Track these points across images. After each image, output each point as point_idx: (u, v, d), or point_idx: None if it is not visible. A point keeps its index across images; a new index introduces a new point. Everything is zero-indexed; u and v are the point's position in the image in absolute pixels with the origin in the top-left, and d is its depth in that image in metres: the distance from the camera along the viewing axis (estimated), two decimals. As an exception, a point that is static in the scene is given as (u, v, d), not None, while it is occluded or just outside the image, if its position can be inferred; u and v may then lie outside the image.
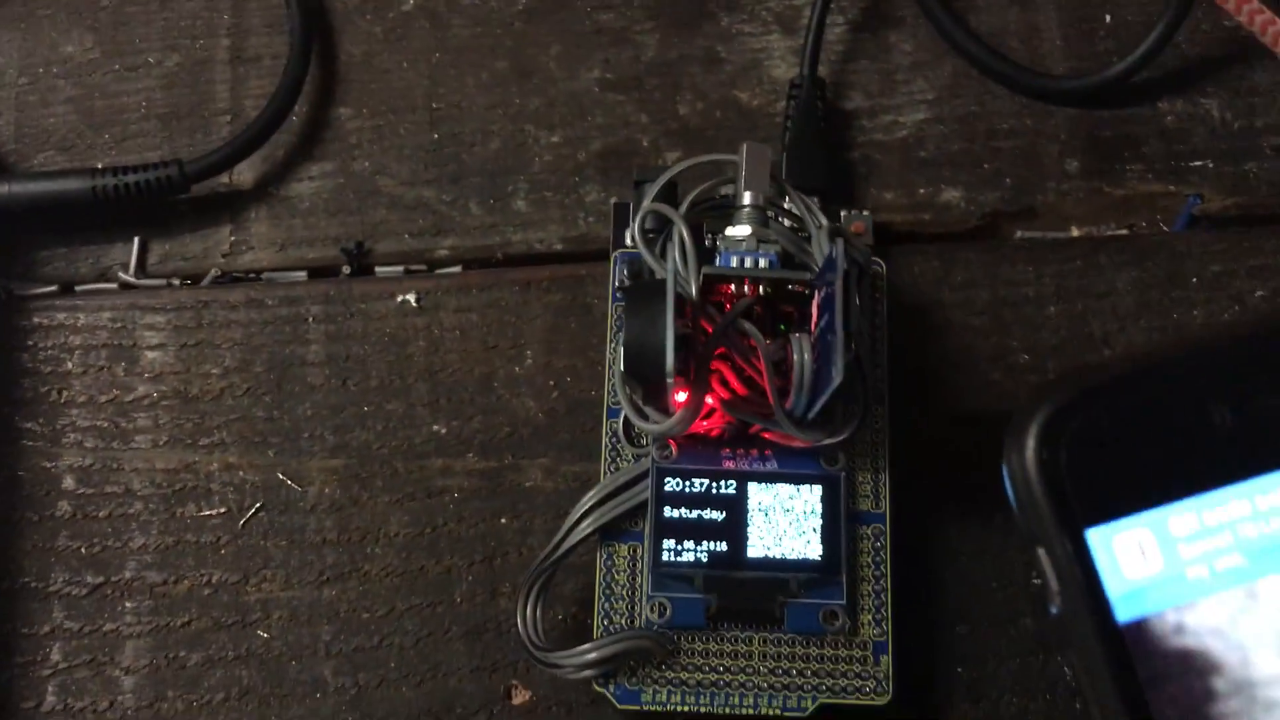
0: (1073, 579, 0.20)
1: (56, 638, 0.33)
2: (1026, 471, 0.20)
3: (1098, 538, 0.20)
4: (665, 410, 0.30)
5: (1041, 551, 0.20)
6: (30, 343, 0.35)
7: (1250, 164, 0.37)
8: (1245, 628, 0.20)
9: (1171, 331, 0.34)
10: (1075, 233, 0.37)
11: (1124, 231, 0.37)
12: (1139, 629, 0.20)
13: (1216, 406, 0.20)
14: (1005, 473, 0.21)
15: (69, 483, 0.34)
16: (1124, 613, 0.20)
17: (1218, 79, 0.38)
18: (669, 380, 0.28)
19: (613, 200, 0.35)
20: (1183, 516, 0.20)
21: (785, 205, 0.33)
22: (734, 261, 0.30)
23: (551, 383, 0.35)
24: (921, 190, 0.37)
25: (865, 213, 0.35)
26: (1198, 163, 0.37)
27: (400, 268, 0.36)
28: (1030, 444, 0.20)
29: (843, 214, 0.35)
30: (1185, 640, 0.20)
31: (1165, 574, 0.20)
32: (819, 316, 0.29)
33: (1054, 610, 0.20)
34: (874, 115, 0.37)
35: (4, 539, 0.33)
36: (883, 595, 0.31)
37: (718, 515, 0.30)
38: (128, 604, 0.33)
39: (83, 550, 0.33)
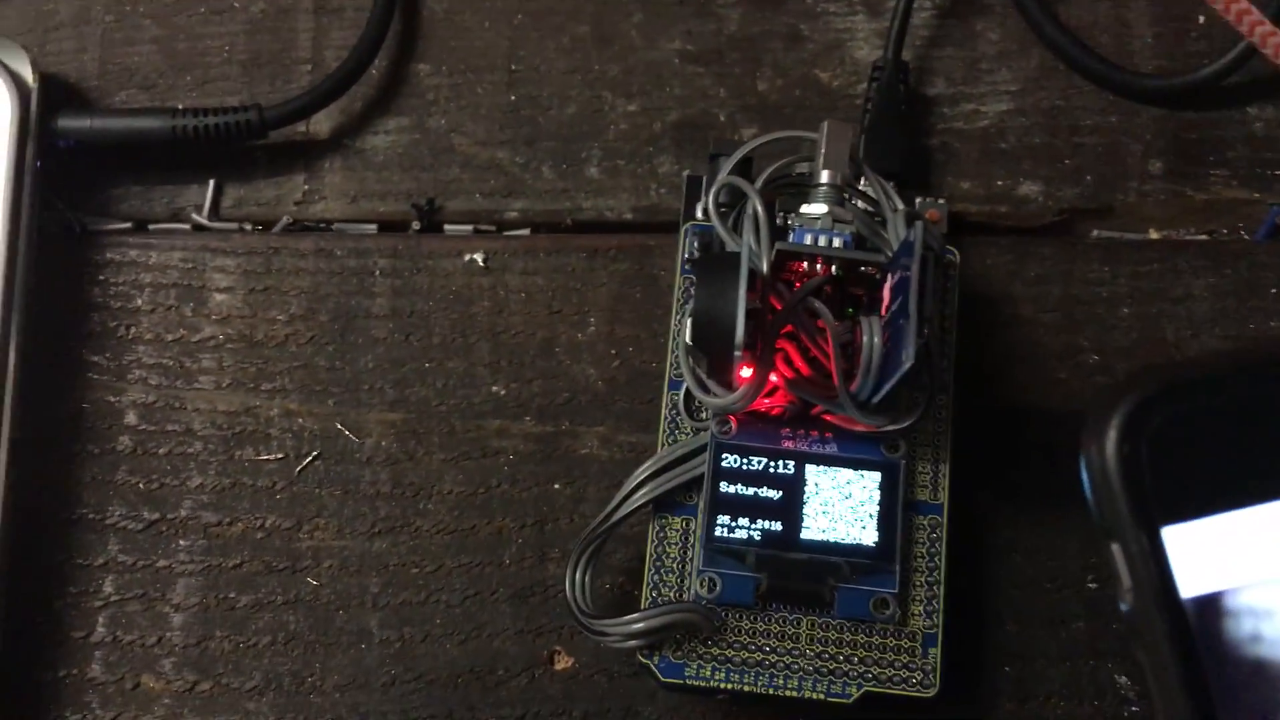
0: (1146, 577, 0.19)
1: (110, 570, 0.33)
2: (1106, 463, 0.20)
3: (1174, 536, 0.20)
4: (728, 385, 0.30)
5: (1115, 547, 0.20)
6: (101, 278, 0.35)
7: (1339, 176, 0.36)
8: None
9: (1247, 340, 0.34)
10: (1154, 235, 0.36)
11: (1204, 237, 0.36)
12: (1212, 633, 0.20)
13: (1305, 411, 0.20)
14: (1083, 463, 0.20)
15: (131, 418, 0.34)
16: (1197, 616, 0.20)
17: (1312, 87, 0.37)
18: (736, 353, 0.28)
19: (685, 173, 0.35)
20: (1264, 521, 0.20)
21: (861, 188, 0.32)
22: (808, 239, 0.30)
23: (613, 351, 0.35)
24: (999, 182, 0.36)
25: (941, 200, 0.34)
26: (1285, 171, 0.36)
27: (469, 227, 0.36)
28: (1111, 435, 0.20)
29: (918, 201, 0.34)
30: (1260, 650, 0.20)
31: (1243, 579, 0.20)
32: (891, 300, 0.29)
33: (1124, 607, 0.20)
34: (955, 103, 0.37)
35: (65, 470, 0.34)
36: (935, 587, 0.30)
37: (774, 494, 0.30)
38: (181, 542, 0.33)
39: (141, 486, 0.34)
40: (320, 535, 0.33)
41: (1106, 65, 0.36)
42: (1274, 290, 0.35)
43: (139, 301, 0.35)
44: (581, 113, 0.37)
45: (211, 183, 0.36)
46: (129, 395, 0.35)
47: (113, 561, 0.33)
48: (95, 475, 0.34)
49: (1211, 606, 0.20)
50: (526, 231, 0.36)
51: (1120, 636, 0.31)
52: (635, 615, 0.30)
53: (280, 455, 0.34)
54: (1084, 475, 0.20)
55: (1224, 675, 0.19)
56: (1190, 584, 0.20)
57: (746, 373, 0.30)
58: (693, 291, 0.31)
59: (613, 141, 0.37)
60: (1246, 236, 0.36)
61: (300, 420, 0.34)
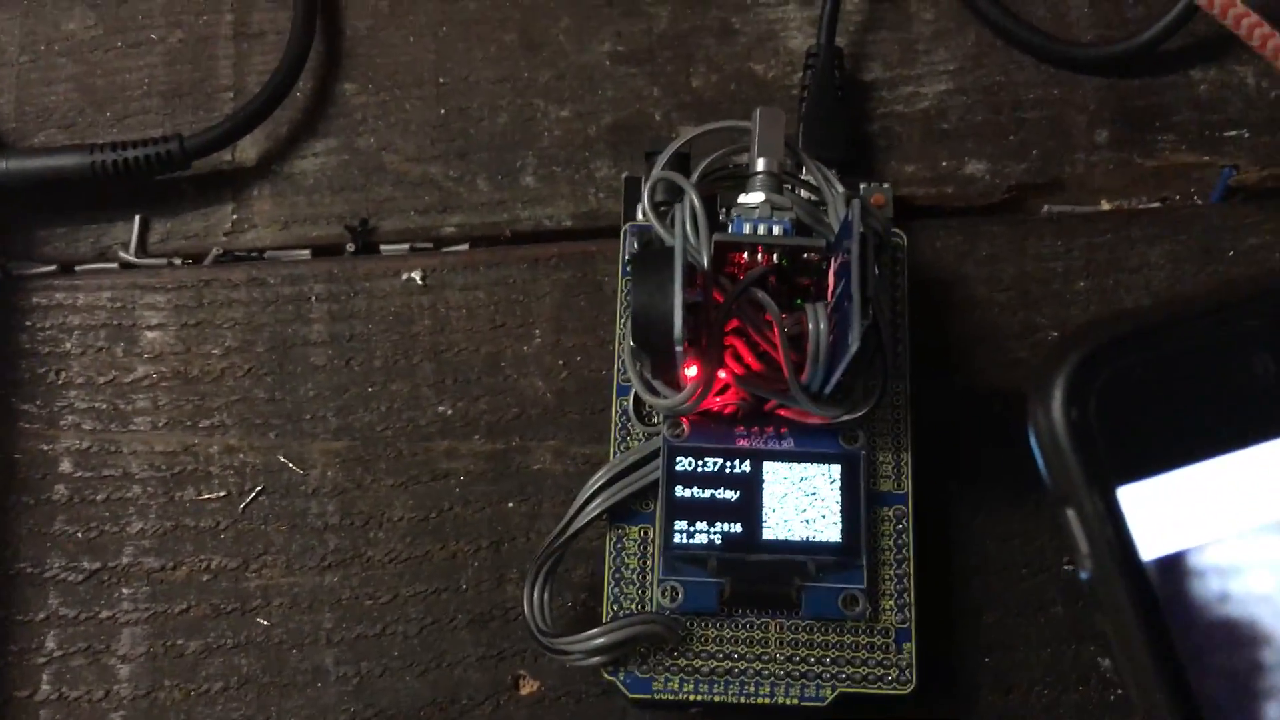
0: (1104, 541, 0.18)
1: (52, 625, 0.32)
2: (1053, 426, 0.19)
3: (1130, 496, 0.19)
4: (676, 386, 0.29)
5: (1070, 512, 0.19)
6: (29, 323, 0.34)
7: (1288, 133, 0.35)
8: (1294, 596, 0.19)
9: (1189, 289, 0.33)
10: (1105, 206, 0.35)
11: (1156, 204, 0.35)
12: (1177, 596, 0.19)
13: (1259, 355, 0.19)
14: (1030, 428, 0.20)
15: (66, 466, 0.33)
16: (1160, 578, 0.19)
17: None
18: (678, 348, 0.27)
19: (624, 175, 0.34)
20: (1223, 474, 0.19)
21: (803, 177, 0.32)
22: (746, 229, 0.29)
23: (561, 362, 0.34)
24: (944, 163, 0.35)
25: (885, 185, 0.34)
26: (1232, 132, 0.35)
27: (405, 245, 0.35)
28: (1057, 396, 0.19)
29: (862, 186, 0.34)
30: (1228, 609, 0.19)
31: (1205, 537, 0.19)
32: (835, 285, 0.28)
33: (1084, 575, 0.19)
34: (894, 86, 0.36)
35: (0, 524, 0.33)
36: (905, 580, 0.29)
37: (732, 495, 0.29)
38: (125, 590, 0.32)
39: (79, 535, 0.32)
40: (268, 573, 0.32)
41: (1044, 37, 0.36)
42: (1231, 253, 0.34)
43: (68, 345, 0.34)
44: (514, 122, 0.36)
45: (137, 218, 0.35)
46: (63, 442, 0.33)
47: (54, 615, 0.32)
48: (32, 527, 0.33)
49: (1174, 567, 0.19)
50: (464, 246, 0.35)
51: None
52: (596, 630, 0.28)
53: (223, 493, 0.33)
54: (1032, 440, 0.19)
55: (1192, 638, 0.18)
56: (1151, 545, 0.19)
57: (693, 371, 0.29)
58: (631, 292, 0.30)
59: (547, 149, 0.36)
60: (1199, 201, 0.35)
61: (241, 456, 0.33)
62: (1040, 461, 0.19)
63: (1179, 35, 0.35)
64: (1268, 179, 0.35)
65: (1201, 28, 0.35)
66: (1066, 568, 0.31)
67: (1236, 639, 0.18)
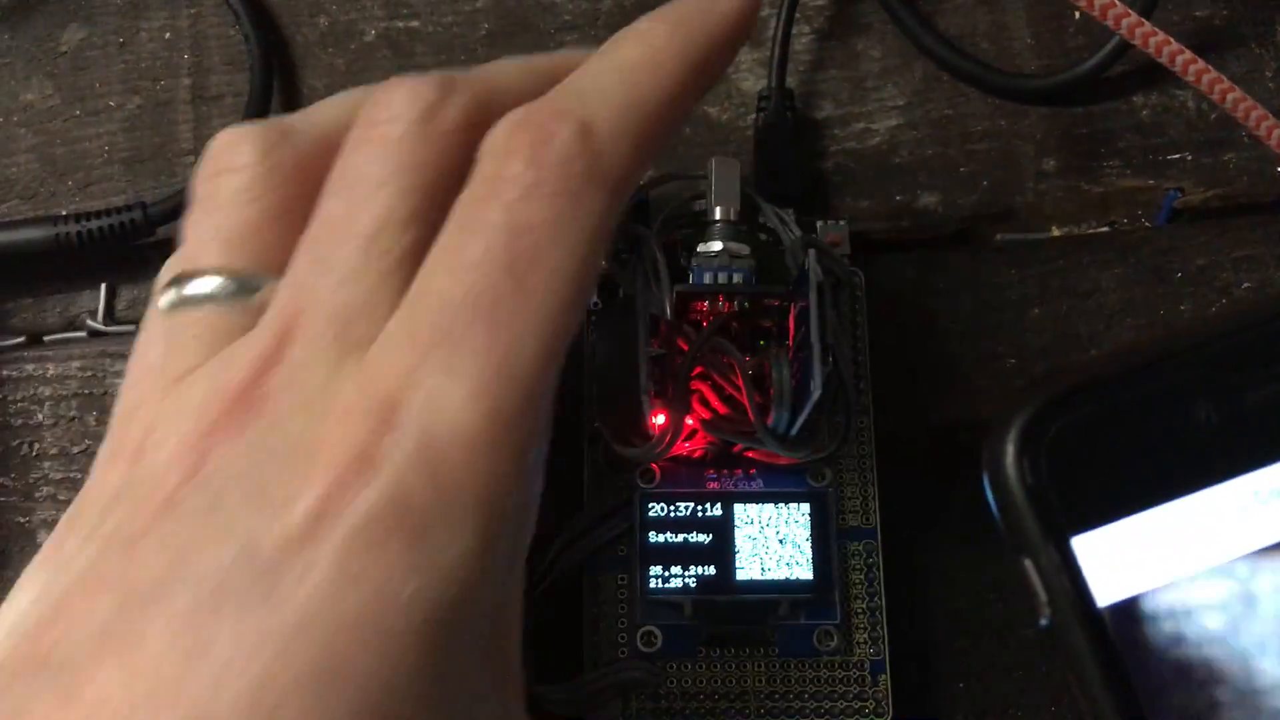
0: (1060, 589, 0.19)
1: (36, 697, 0.32)
2: (1007, 480, 0.20)
3: (1084, 545, 0.19)
4: (645, 434, 0.30)
5: (1028, 562, 0.19)
6: (0, 396, 0.34)
7: (1229, 155, 0.36)
8: (1246, 634, 0.20)
9: (1159, 328, 0.34)
10: (1056, 232, 0.36)
11: (1105, 229, 0.36)
12: (1133, 639, 0.19)
13: (1200, 403, 0.20)
14: (986, 482, 0.20)
15: (43, 538, 0.33)
16: (1116, 623, 0.19)
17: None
18: (645, 399, 0.28)
19: (585, 223, 0.35)
20: (1172, 518, 0.20)
21: (760, 220, 0.32)
22: (706, 278, 0.30)
23: (531, 411, 0.34)
24: (898, 197, 0.36)
25: (841, 223, 0.34)
26: (1175, 156, 0.36)
27: (372, 302, 0.36)
28: (1009, 451, 0.20)
29: (819, 224, 0.34)
30: (1184, 650, 0.19)
31: (1158, 580, 0.20)
32: (796, 330, 0.29)
33: (1043, 623, 0.20)
34: (846, 124, 0.37)
35: (-21, 598, 0.33)
36: (878, 613, 0.30)
37: (704, 538, 0.30)
38: (107, 659, 0.32)
39: (60, 606, 0.33)
40: (250, 635, 0.32)
41: (989, 70, 0.37)
42: (1180, 274, 0.35)
43: (40, 416, 0.34)
44: (474, 174, 0.37)
45: (104, 286, 0.36)
46: (39, 514, 0.33)
47: (38, 688, 0.32)
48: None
49: (1129, 611, 0.19)
50: (431, 300, 0.36)
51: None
52: (578, 681, 0.29)
53: (201, 557, 0.33)
54: (989, 495, 0.20)
55: (1149, 679, 0.19)
56: (1106, 591, 0.19)
57: (660, 419, 0.29)
58: (595, 345, 0.31)
59: (508, 199, 0.36)
60: (1147, 223, 0.36)
61: (218, 519, 0.33)
62: (997, 515, 0.20)
63: (1119, 63, 0.36)
64: (1211, 199, 0.36)
65: (1141, 56, 0.36)
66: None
67: (1192, 678, 0.19)
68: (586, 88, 0.23)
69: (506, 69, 0.25)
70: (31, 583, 0.20)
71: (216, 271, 0.23)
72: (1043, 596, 0.19)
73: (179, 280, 0.23)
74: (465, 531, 0.19)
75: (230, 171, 0.24)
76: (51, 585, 0.20)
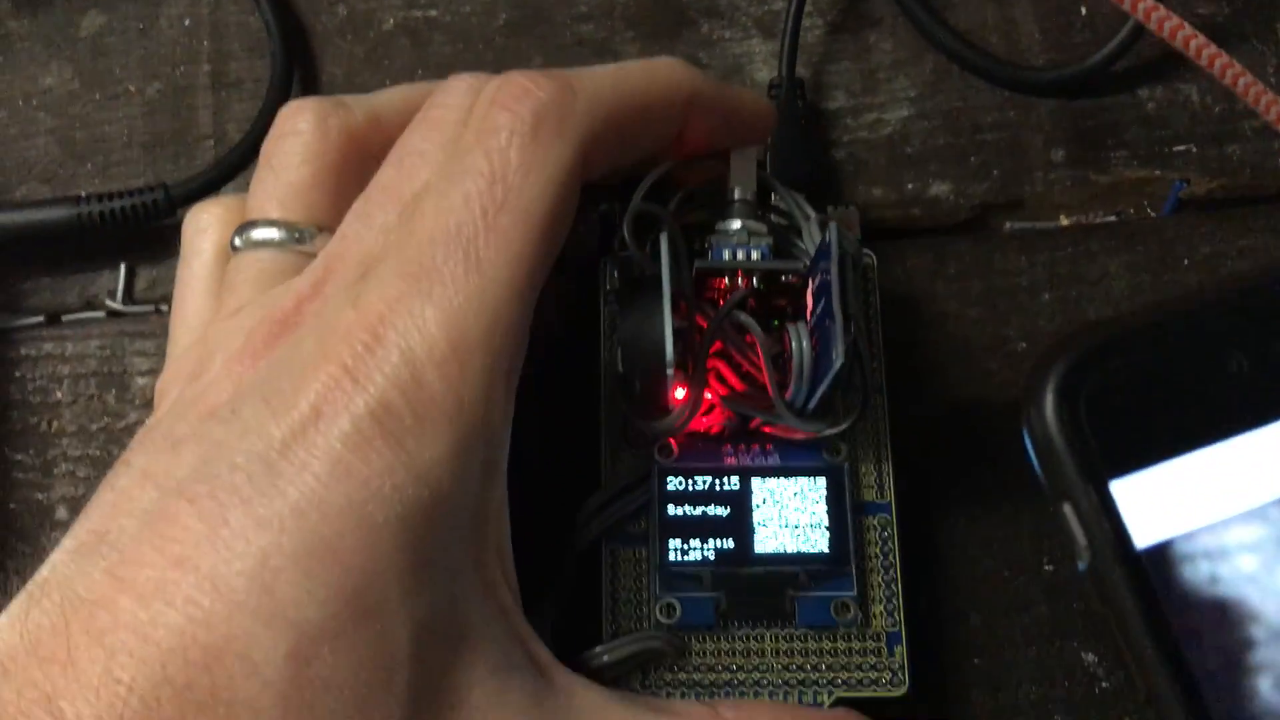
0: (1100, 532, 0.20)
1: (53, 671, 0.32)
2: (1047, 426, 0.20)
3: (1123, 489, 0.20)
4: (664, 409, 0.30)
5: (1068, 508, 0.20)
6: (18, 374, 0.35)
7: (1232, 146, 0.37)
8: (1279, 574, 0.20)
9: (1165, 297, 0.34)
10: (1065, 221, 0.37)
11: (1112, 218, 0.37)
12: (1170, 580, 0.20)
13: (1233, 353, 0.20)
14: (1025, 430, 0.21)
15: (62, 513, 0.33)
16: (1154, 565, 0.20)
17: (1195, 64, 0.38)
18: (669, 373, 0.28)
19: (601, 207, 0.35)
20: (1206, 464, 0.20)
21: (774, 202, 0.33)
22: (725, 255, 0.30)
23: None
24: (909, 186, 0.37)
25: (851, 206, 0.35)
26: (1180, 147, 0.37)
27: (390, 284, 0.36)
28: (1049, 400, 0.20)
29: (830, 209, 0.35)
30: (1219, 590, 0.20)
31: (1194, 523, 0.20)
32: (814, 305, 0.29)
33: (1082, 566, 0.20)
34: (858, 114, 0.38)
35: (-3, 573, 0.33)
36: (893, 586, 0.30)
37: (722, 511, 0.30)
38: (125, 634, 0.32)
39: (77, 581, 0.33)
40: (268, 610, 0.32)
41: (999, 63, 0.37)
42: (1186, 262, 0.35)
43: (59, 394, 0.35)
44: (491, 160, 0.37)
45: (123, 267, 0.36)
46: (57, 490, 0.34)
47: (55, 662, 0.32)
48: (30, 576, 0.33)
49: (1167, 553, 0.20)
50: (448, 282, 0.36)
51: (1083, 615, 0.32)
52: (599, 649, 0.29)
53: (219, 533, 0.33)
54: (1028, 442, 0.21)
55: (1186, 619, 0.20)
56: (1144, 534, 0.20)
57: (680, 394, 0.30)
58: (618, 321, 0.31)
59: (525, 185, 0.37)
60: (1153, 213, 0.37)
61: (237, 496, 0.33)
62: (1036, 462, 0.21)
63: (1126, 56, 0.37)
64: (1216, 190, 0.37)
65: (1147, 49, 0.37)
66: (1047, 569, 0.32)
67: (1228, 618, 0.20)
68: (588, 69, 0.28)
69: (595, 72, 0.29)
70: (110, 487, 0.24)
71: (270, 223, 0.27)
72: (1082, 540, 0.20)
73: (242, 229, 0.28)
74: (439, 439, 0.23)
75: (291, 135, 0.28)
76: (116, 481, 0.24)
